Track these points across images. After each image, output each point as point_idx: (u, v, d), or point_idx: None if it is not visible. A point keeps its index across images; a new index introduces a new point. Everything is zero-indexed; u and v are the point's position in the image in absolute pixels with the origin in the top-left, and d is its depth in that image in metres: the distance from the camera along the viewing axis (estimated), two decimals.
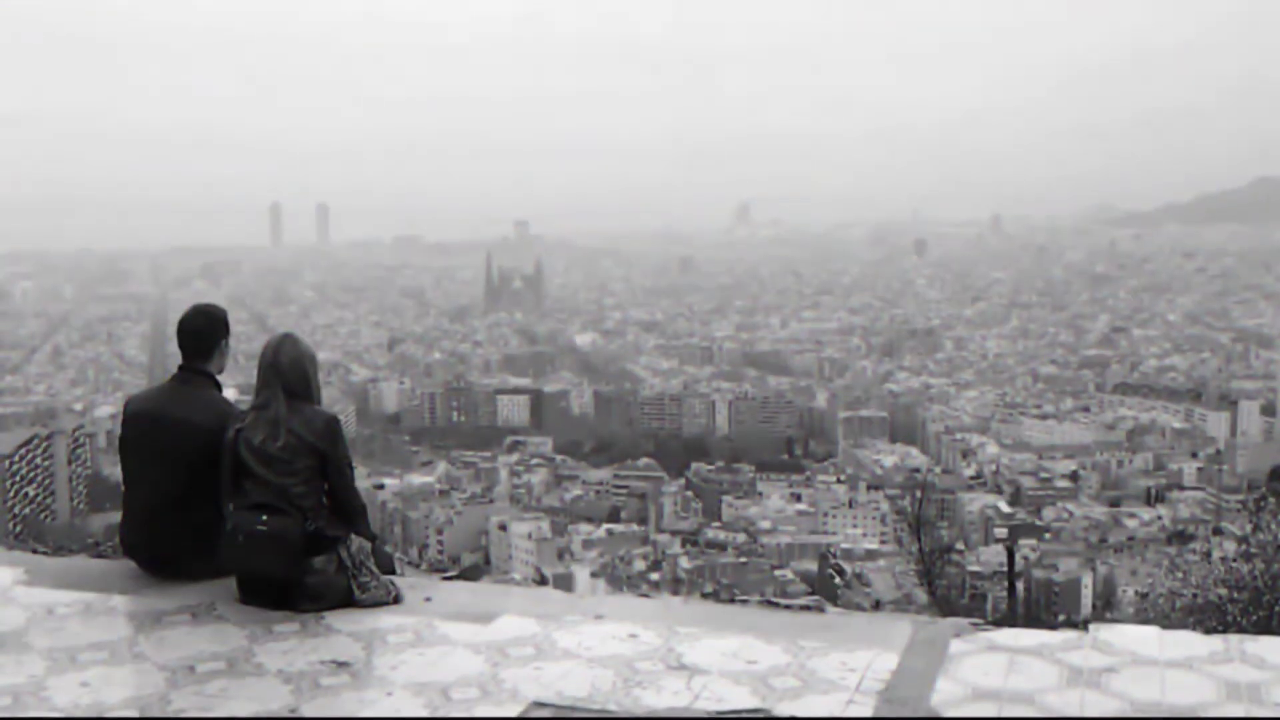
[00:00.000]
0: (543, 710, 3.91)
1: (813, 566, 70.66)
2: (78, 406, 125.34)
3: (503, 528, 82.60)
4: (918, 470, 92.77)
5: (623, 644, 4.48)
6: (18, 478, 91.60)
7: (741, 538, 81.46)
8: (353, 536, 5.07)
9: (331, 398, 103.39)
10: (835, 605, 5.80)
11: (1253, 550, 11.14)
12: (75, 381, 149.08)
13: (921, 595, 18.02)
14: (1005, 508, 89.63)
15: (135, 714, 3.90)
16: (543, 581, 53.23)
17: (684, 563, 71.48)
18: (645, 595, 7.11)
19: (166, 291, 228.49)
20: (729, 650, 4.39)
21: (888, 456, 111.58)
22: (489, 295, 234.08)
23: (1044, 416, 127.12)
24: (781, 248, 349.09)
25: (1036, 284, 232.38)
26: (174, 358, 5.72)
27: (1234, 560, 11.73)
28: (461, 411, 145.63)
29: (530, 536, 79.21)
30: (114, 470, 74.04)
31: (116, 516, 5.87)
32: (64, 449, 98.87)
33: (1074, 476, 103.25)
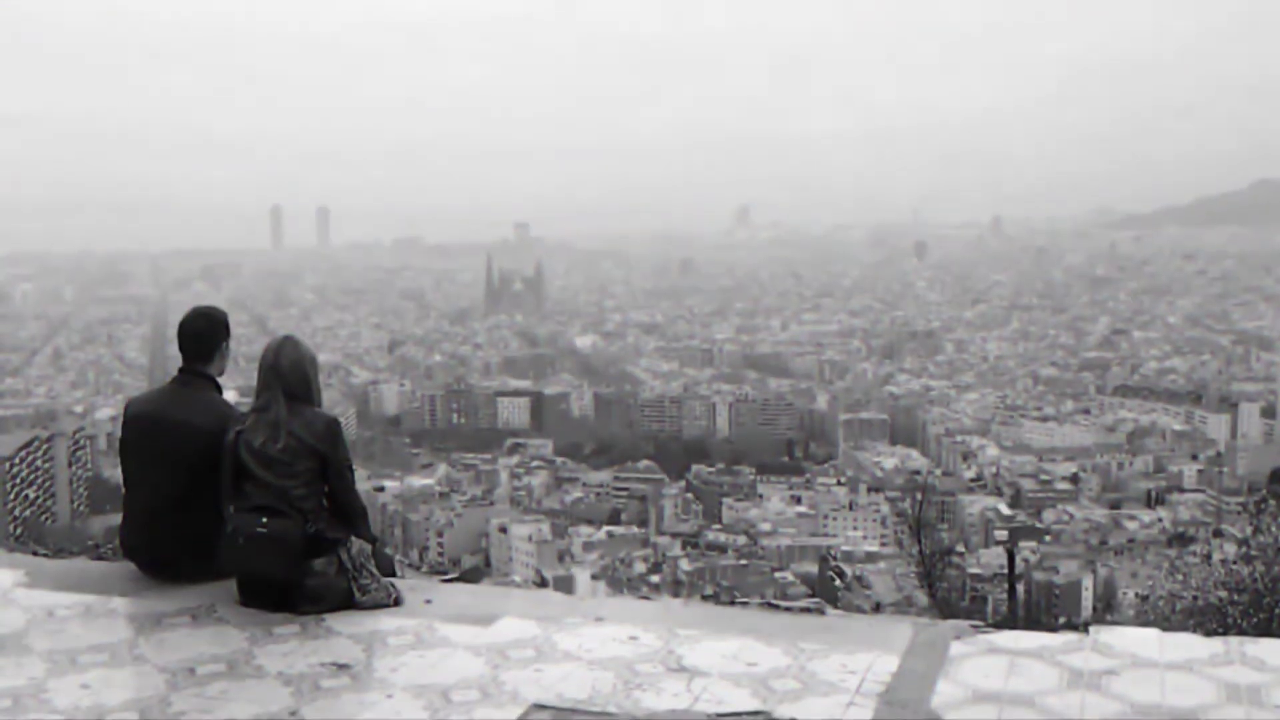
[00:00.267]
0: (543, 713, 3.91)
1: (813, 569, 70.62)
2: (78, 409, 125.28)
3: (503, 530, 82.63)
4: (918, 472, 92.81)
5: (623, 646, 4.49)
6: (18, 480, 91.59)
7: (742, 540, 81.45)
8: (353, 539, 5.07)
9: (332, 400, 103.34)
10: (835, 607, 5.77)
11: (1253, 553, 11.14)
12: (75, 384, 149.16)
13: (922, 597, 18.03)
14: (1005, 510, 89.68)
15: (135, 716, 3.90)
16: (543, 584, 53.21)
17: (684, 565, 71.48)
18: (645, 597, 7.10)
19: (167, 294, 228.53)
20: (729, 652, 4.39)
21: (888, 459, 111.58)
22: (489, 297, 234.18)
23: (1044, 419, 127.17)
24: (782, 250, 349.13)
25: (1037, 286, 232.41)
26: (174, 360, 5.72)
27: (1234, 563, 11.72)
28: (462, 414, 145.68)
29: (530, 539, 79.24)
30: (114, 472, 74.06)
31: (117, 519, 5.87)
32: (64, 451, 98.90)
33: (1074, 479, 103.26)
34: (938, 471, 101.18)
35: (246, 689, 4.10)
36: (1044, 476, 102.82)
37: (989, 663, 4.26)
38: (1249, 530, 12.25)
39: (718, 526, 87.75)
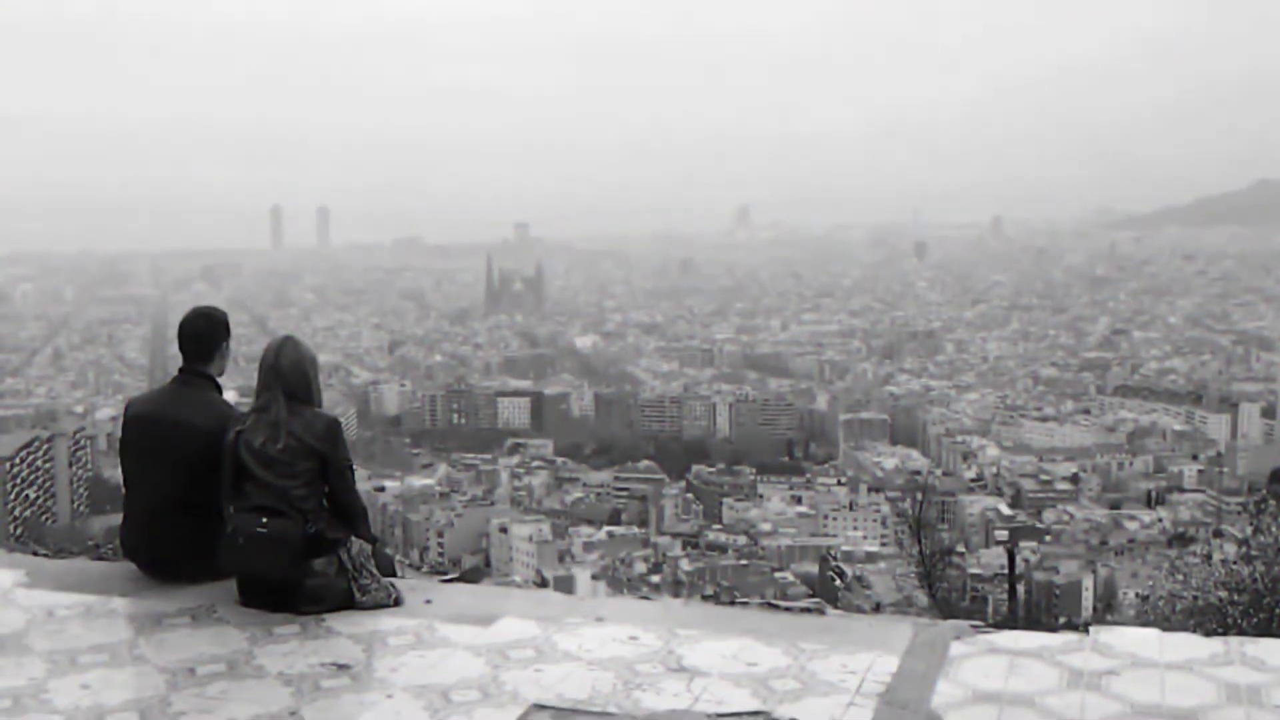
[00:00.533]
0: (543, 713, 3.92)
1: (813, 569, 70.66)
2: (78, 409, 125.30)
3: (503, 530, 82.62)
4: (918, 473, 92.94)
5: (623, 646, 4.49)
6: (18, 480, 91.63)
7: (742, 540, 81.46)
8: (353, 539, 5.07)
9: (332, 400, 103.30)
10: (836, 607, 5.78)
11: (1253, 553, 11.12)
12: (76, 384, 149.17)
13: (922, 598, 18.05)
14: (1006, 510, 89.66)
15: (135, 717, 3.90)
16: (543, 584, 53.23)
17: (684, 565, 71.48)
18: (646, 597, 7.10)
19: (167, 294, 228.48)
20: (729, 652, 4.39)
21: (888, 459, 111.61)
22: (489, 298, 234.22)
23: (1044, 419, 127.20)
24: (782, 250, 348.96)
25: (1037, 286, 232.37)
26: (174, 360, 5.72)
27: (1234, 563, 11.71)
28: (462, 414, 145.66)
29: (531, 539, 79.23)
30: (114, 472, 74.07)
31: (117, 519, 5.87)
32: (65, 451, 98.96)
33: (1074, 479, 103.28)
34: (938, 471, 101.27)
35: (247, 689, 4.10)
36: (1044, 477, 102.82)
37: (989, 663, 4.26)
38: (1249, 530, 12.23)
39: (718, 527, 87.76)
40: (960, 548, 56.52)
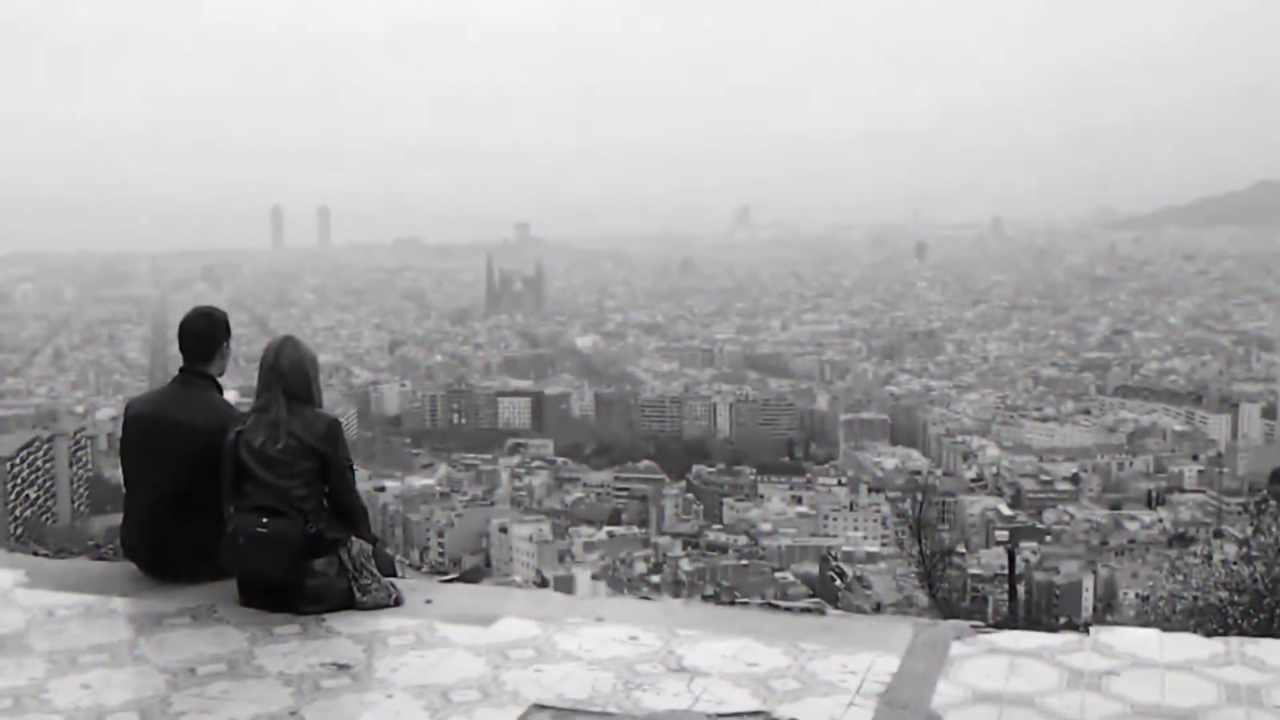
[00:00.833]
0: (543, 713, 3.92)
1: (813, 569, 70.72)
2: (79, 409, 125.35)
3: (503, 530, 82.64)
4: (918, 473, 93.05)
5: (623, 646, 4.49)
6: (19, 480, 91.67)
7: (742, 540, 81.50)
8: (353, 539, 5.07)
9: (332, 400, 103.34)
10: (836, 608, 5.78)
11: (1254, 553, 11.13)
12: (76, 384, 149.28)
13: (922, 598, 18.06)
14: (1006, 510, 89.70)
15: (136, 717, 3.90)
16: (543, 584, 53.26)
17: (685, 565, 71.50)
18: (646, 598, 7.10)
19: (167, 294, 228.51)
20: (729, 652, 4.39)
21: (888, 459, 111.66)
22: (490, 298, 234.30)
23: (1045, 419, 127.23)
24: (782, 250, 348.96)
25: (1037, 287, 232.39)
26: (175, 360, 5.73)
27: (1235, 563, 11.71)
28: (462, 414, 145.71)
29: (531, 539, 79.23)
30: (115, 472, 74.12)
31: (117, 519, 5.87)
32: (65, 451, 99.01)
33: (1075, 479, 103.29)
34: (938, 472, 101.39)
35: (247, 689, 4.10)
36: (1044, 477, 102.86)
37: (989, 663, 4.26)
38: (1249, 531, 12.23)
39: (718, 527, 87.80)
40: (960, 548, 56.46)
